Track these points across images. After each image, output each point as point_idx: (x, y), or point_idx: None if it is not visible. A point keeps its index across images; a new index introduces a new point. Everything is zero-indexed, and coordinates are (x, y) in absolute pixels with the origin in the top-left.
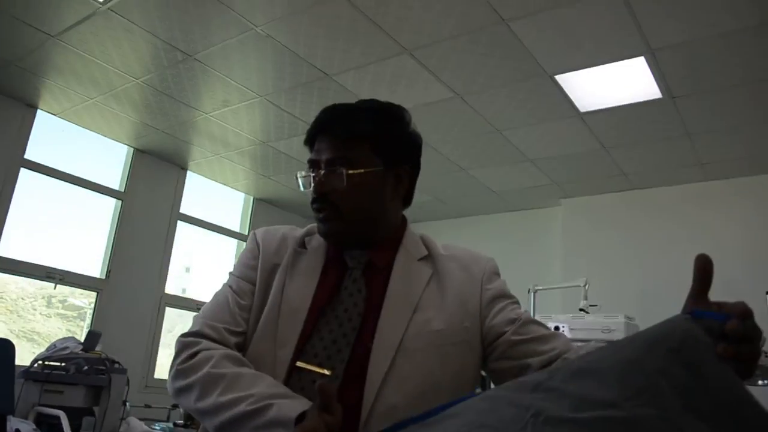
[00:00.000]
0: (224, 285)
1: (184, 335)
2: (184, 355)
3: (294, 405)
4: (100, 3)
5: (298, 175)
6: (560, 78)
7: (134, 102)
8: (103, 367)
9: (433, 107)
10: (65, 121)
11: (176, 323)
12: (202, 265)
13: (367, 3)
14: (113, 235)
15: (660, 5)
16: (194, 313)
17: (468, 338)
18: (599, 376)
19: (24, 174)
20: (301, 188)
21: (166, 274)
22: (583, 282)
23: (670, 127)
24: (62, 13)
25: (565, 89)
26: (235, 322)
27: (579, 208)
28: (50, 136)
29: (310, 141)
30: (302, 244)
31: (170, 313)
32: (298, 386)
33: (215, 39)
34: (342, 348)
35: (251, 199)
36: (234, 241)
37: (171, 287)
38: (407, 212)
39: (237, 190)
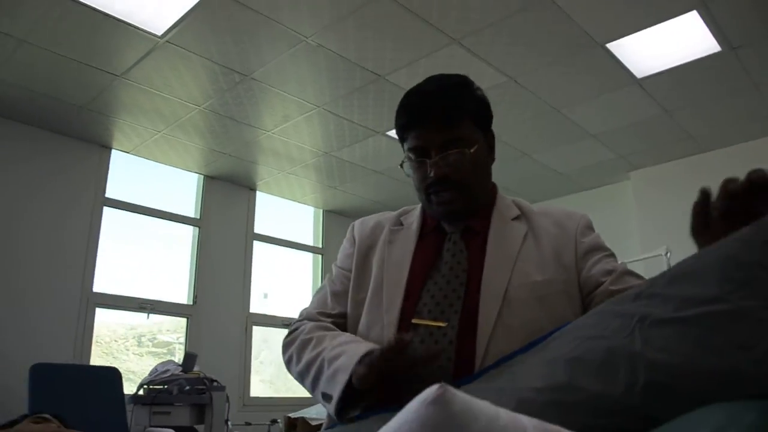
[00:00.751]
0: (327, 275)
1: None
2: (287, 335)
3: (360, 348)
4: (159, 37)
5: (405, 168)
6: (612, 46)
7: (199, 129)
8: (204, 387)
9: (487, 94)
10: (138, 157)
11: (261, 348)
12: (281, 283)
13: None
14: (195, 262)
15: None
16: (280, 330)
17: (567, 288)
18: (698, 276)
19: (107, 212)
20: (413, 177)
21: (249, 293)
22: (664, 251)
23: (735, 81)
24: (125, 52)
25: (619, 57)
26: (328, 306)
27: (649, 179)
28: (126, 173)
29: (408, 129)
30: (398, 223)
31: (256, 336)
32: (417, 342)
33: (268, 56)
34: (453, 302)
35: (320, 212)
36: (309, 255)
37: (255, 306)
38: None
39: (306, 204)
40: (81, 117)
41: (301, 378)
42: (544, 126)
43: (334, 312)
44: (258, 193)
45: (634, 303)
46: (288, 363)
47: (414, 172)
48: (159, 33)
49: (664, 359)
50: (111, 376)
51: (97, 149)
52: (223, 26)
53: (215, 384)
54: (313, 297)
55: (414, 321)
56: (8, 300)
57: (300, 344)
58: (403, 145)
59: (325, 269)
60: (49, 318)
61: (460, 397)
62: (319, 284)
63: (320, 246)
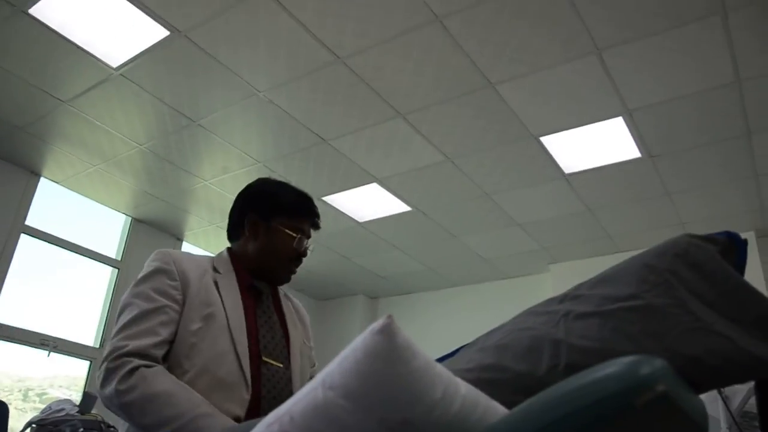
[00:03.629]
0: (133, 304)
1: (115, 356)
2: (120, 374)
3: (217, 423)
4: (114, 69)
5: (280, 236)
6: (545, 140)
7: (136, 169)
8: (99, 430)
9: (425, 171)
10: (67, 189)
11: None
12: None
13: (364, 69)
14: (109, 304)
15: (634, 66)
16: None
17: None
18: (618, 279)
19: (23, 239)
20: (284, 246)
21: None
22: None
23: (651, 187)
24: (76, 79)
25: (550, 151)
26: (160, 336)
27: (567, 273)
28: (51, 203)
29: (306, 216)
30: (217, 270)
31: None
32: (267, 374)
33: (219, 104)
34: (281, 349)
35: None
36: None
37: None
38: (400, 284)
39: None
40: (15, 138)
41: (145, 429)
42: (474, 210)
43: (162, 343)
44: (184, 244)
45: (560, 304)
46: (124, 408)
47: (291, 244)
48: (114, 65)
49: (585, 344)
50: None
51: (25, 174)
52: (179, 68)
53: (112, 430)
54: (130, 325)
55: (264, 358)
56: None
57: (145, 398)
58: (288, 219)
59: None
60: None
61: (404, 334)
62: None
63: None
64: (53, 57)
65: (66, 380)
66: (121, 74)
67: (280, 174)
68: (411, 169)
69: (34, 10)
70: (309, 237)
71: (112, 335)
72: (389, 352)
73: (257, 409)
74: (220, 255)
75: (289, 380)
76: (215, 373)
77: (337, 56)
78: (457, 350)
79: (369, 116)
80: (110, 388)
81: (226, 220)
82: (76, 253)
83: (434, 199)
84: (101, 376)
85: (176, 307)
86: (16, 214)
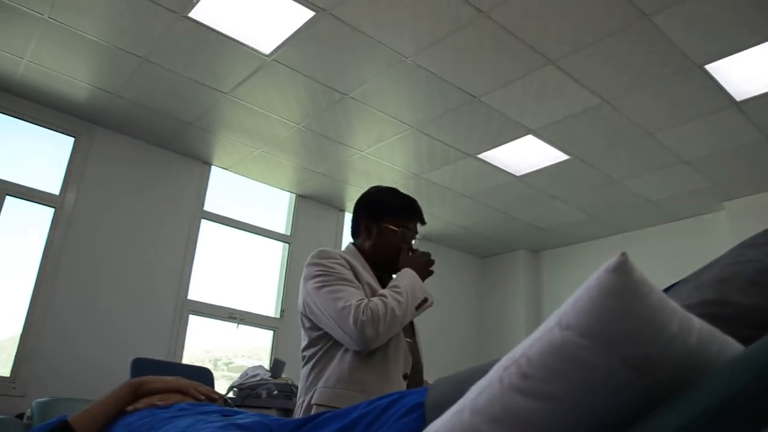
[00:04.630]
0: (340, 277)
1: (356, 310)
2: (364, 316)
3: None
4: (266, 55)
5: (389, 232)
6: (710, 67)
7: (295, 148)
8: (291, 393)
9: (581, 117)
10: (235, 174)
11: None
12: None
13: (509, 19)
14: (284, 276)
15: None
16: None
17: None
18: None
19: (204, 224)
20: (392, 241)
21: None
22: None
23: None
24: (234, 70)
25: (717, 79)
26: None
27: (746, 209)
28: (223, 188)
29: (414, 219)
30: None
31: None
32: (408, 348)
33: (368, 75)
34: (407, 326)
35: None
36: None
37: None
38: (562, 235)
39: None
40: (187, 133)
41: (393, 317)
42: (636, 151)
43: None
44: (346, 214)
45: None
46: (381, 319)
47: (398, 240)
48: (266, 52)
49: None
50: (204, 375)
51: (198, 164)
52: (327, 46)
53: None
54: (344, 293)
55: (404, 337)
56: (112, 300)
57: (385, 311)
58: (393, 219)
59: None
60: (147, 320)
61: (639, 269)
62: None
63: None
64: (212, 53)
65: (248, 350)
66: (273, 59)
67: (433, 135)
68: (566, 116)
69: (193, 13)
70: (416, 232)
71: (335, 303)
72: (626, 288)
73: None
74: (348, 250)
75: (418, 351)
76: (385, 350)
77: (480, 10)
78: (668, 289)
79: (518, 68)
80: (369, 324)
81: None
82: (250, 232)
83: (593, 144)
84: (359, 324)
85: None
86: (196, 202)
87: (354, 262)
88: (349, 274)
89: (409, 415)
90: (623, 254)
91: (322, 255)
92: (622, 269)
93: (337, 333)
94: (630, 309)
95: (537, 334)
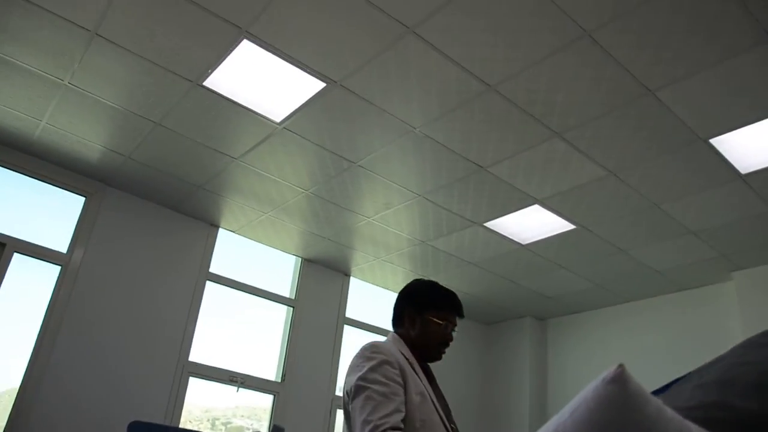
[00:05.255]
0: (371, 389)
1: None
2: None
3: None
4: (277, 123)
5: (435, 325)
6: (715, 141)
7: (303, 213)
8: None
9: (586, 188)
10: (242, 237)
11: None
12: None
13: (516, 93)
14: (287, 340)
15: None
16: None
17: None
18: None
19: (209, 286)
20: (436, 333)
21: (337, 376)
22: None
23: None
24: (245, 137)
25: (722, 152)
26: (402, 414)
27: (754, 280)
28: (229, 251)
29: (455, 313)
30: (403, 354)
31: (340, 419)
32: None
33: (377, 144)
34: (448, 413)
35: None
36: None
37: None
38: (568, 303)
39: (397, 292)
40: (196, 196)
41: None
42: (642, 221)
43: (403, 416)
44: (351, 279)
45: None
46: None
47: (440, 331)
48: (277, 120)
49: None
50: None
51: (206, 227)
52: (337, 115)
53: None
54: (384, 405)
55: (450, 425)
56: (113, 358)
57: None
58: (437, 312)
59: None
60: (147, 380)
61: (636, 380)
62: None
63: None
64: (224, 120)
65: (247, 410)
66: (284, 128)
67: (440, 203)
68: (572, 187)
69: (207, 82)
70: (455, 325)
71: (362, 413)
72: (623, 400)
73: None
74: (396, 340)
75: None
76: None
77: (488, 85)
78: (668, 386)
79: (525, 139)
80: None
81: (391, 254)
82: (255, 294)
83: (599, 214)
84: None
85: (402, 390)
86: (201, 263)
87: (403, 351)
88: (394, 386)
89: None
90: (620, 366)
91: (374, 350)
92: (620, 381)
93: None
94: (627, 421)
95: None
